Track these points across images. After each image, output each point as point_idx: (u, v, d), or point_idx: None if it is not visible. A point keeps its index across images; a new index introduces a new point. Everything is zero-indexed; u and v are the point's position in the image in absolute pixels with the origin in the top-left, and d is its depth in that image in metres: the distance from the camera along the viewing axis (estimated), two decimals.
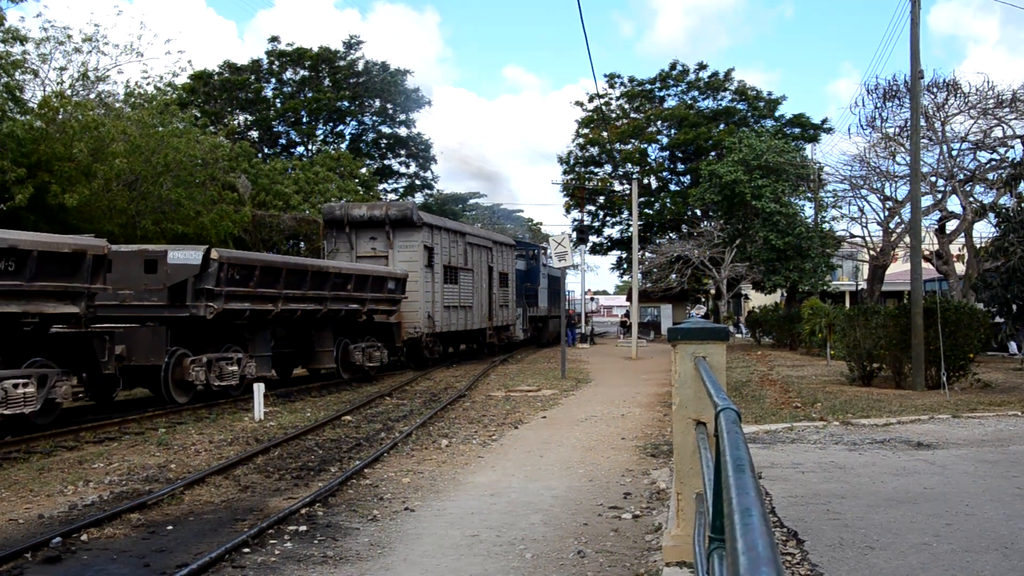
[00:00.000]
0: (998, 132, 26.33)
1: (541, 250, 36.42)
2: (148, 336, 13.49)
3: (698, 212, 46.04)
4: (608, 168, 54.55)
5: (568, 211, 55.82)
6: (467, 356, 28.46)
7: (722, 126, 49.45)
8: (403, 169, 53.06)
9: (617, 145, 52.11)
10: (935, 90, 26.03)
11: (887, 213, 29.31)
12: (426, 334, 22.63)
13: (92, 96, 23.54)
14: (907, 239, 24.37)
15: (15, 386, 10.51)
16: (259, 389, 13.25)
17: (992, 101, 25.44)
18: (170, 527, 6.87)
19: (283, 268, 16.03)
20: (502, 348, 30.70)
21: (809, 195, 35.11)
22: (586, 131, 53.38)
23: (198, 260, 13.84)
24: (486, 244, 28.21)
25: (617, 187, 53.97)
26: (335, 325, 18.50)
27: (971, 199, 26.64)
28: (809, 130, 50.05)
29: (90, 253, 11.50)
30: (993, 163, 27.05)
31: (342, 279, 18.08)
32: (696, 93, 52.64)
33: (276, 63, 46.87)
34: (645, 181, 51.39)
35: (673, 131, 51.56)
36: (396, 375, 21.09)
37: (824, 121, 50.11)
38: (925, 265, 21.05)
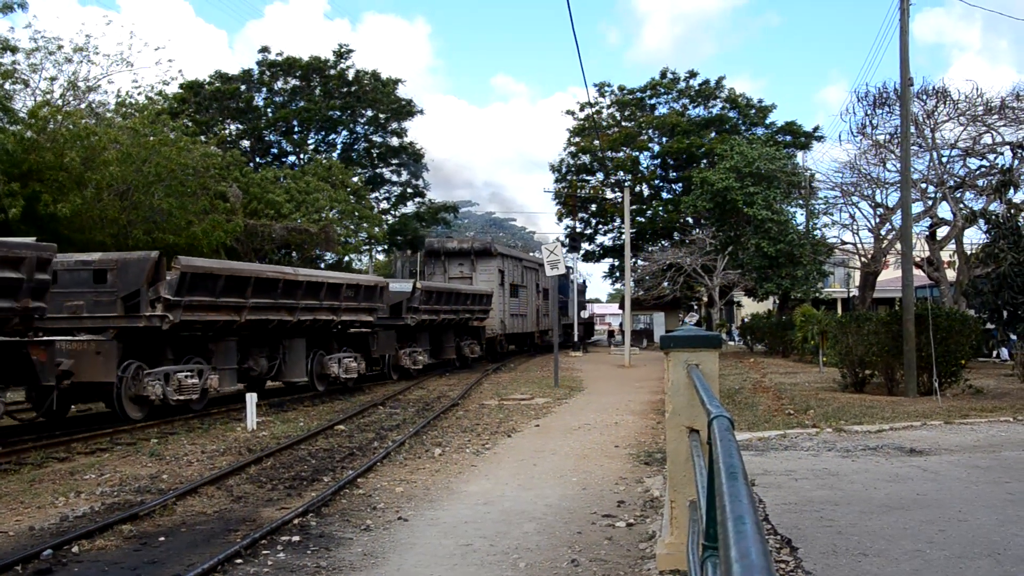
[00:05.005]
0: (987, 139, 26.47)
1: (570, 268, 42.47)
2: (386, 336, 20.57)
3: (690, 220, 46.09)
4: (600, 176, 54.61)
5: (560, 219, 55.96)
6: (517, 353, 35.70)
7: (713, 134, 49.53)
8: (395, 178, 53.04)
9: (609, 153, 52.17)
10: (925, 97, 26.16)
11: (878, 220, 29.42)
12: (499, 334, 30.69)
13: (83, 106, 23.44)
14: (898, 246, 24.49)
15: (350, 362, 18.46)
16: (251, 399, 13.20)
17: (981, 108, 25.58)
18: (162, 538, 6.82)
19: (444, 291, 24.18)
20: (543, 348, 38.81)
21: (801, 202, 35.22)
22: (578, 139, 53.43)
23: (409, 289, 21.82)
24: (534, 266, 35.44)
25: (609, 195, 53.97)
26: (454, 328, 25.87)
27: (961, 206, 26.75)
28: (800, 137, 50.19)
29: (379, 285, 19.83)
30: (983, 169, 27.19)
31: (464, 296, 25.71)
32: (687, 101, 52.77)
33: (267, 73, 46.66)
34: (637, 189, 51.40)
35: (664, 139, 51.64)
36: (481, 366, 27.18)
37: (815, 129, 50.34)
38: (916, 272, 21.10)
